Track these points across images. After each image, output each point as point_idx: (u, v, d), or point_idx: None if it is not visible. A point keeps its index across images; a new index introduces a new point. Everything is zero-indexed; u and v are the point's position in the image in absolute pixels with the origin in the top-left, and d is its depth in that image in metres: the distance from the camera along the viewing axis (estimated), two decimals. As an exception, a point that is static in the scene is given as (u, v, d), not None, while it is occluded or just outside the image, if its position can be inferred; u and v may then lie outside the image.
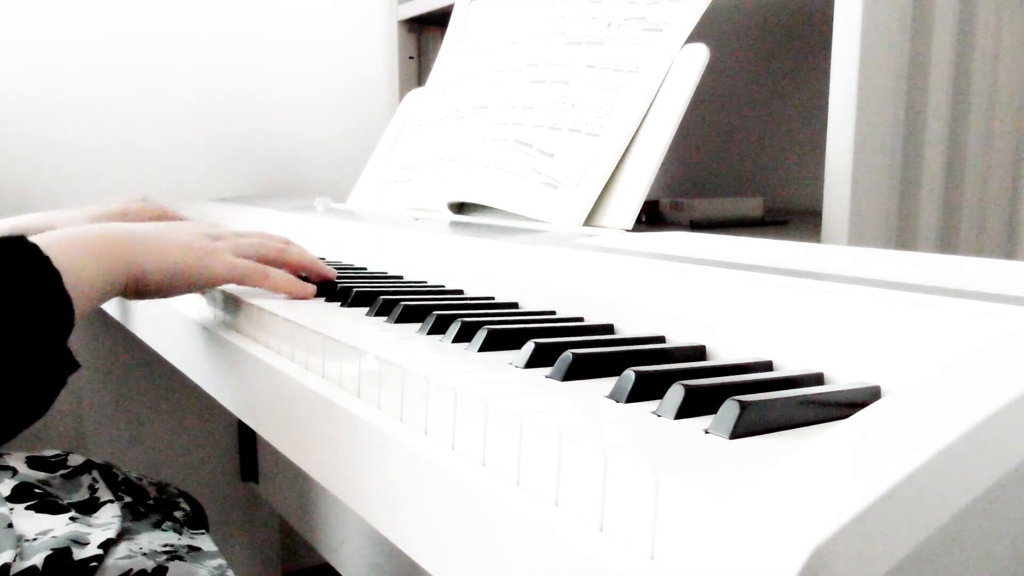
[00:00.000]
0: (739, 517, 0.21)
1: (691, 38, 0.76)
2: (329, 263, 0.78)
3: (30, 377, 0.48)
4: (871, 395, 0.33)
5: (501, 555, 0.30)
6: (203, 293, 0.68)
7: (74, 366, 0.52)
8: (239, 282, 0.62)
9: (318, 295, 0.63)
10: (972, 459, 0.23)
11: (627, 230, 0.72)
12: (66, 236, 0.54)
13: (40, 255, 0.50)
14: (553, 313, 0.53)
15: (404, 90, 1.49)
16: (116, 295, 0.57)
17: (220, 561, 0.73)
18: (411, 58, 1.55)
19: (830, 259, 0.48)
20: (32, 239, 0.51)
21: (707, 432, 0.29)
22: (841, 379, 0.36)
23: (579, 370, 0.38)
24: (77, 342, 0.50)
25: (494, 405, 0.33)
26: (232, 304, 0.63)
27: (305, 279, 0.64)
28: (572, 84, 0.83)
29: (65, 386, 0.51)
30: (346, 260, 0.80)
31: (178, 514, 0.81)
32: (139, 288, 0.58)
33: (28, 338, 0.48)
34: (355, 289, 0.59)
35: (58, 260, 0.50)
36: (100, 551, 0.65)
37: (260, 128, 1.46)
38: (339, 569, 1.19)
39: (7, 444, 0.49)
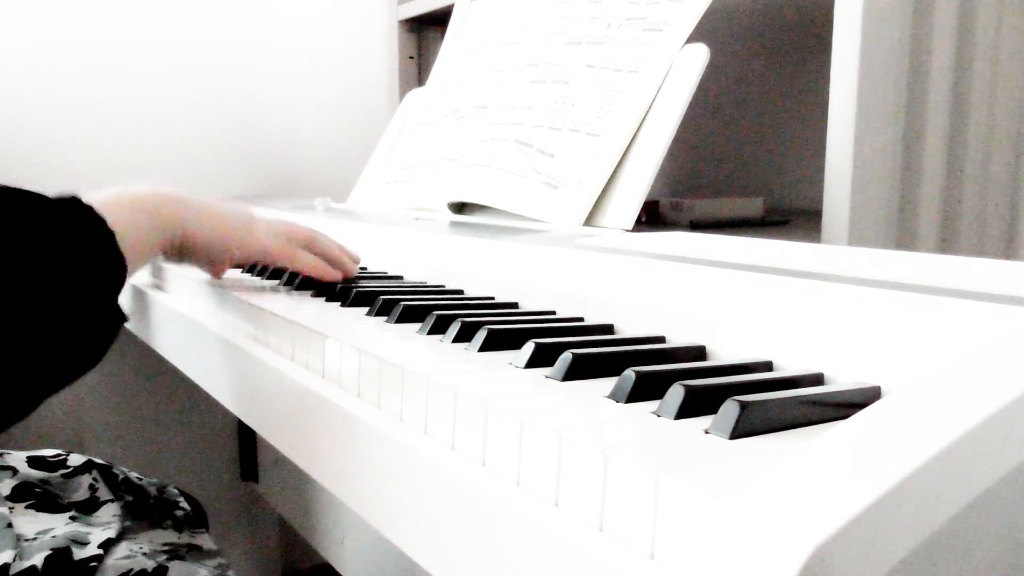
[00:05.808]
0: (739, 517, 0.21)
1: (691, 38, 0.76)
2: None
3: (87, 330, 0.51)
4: (871, 395, 0.33)
5: (501, 555, 0.30)
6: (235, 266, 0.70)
7: (123, 319, 0.55)
8: (271, 260, 0.66)
9: (319, 295, 0.63)
10: (972, 459, 0.23)
11: (627, 230, 0.72)
12: (121, 195, 0.57)
13: (95, 215, 0.52)
14: (553, 313, 0.53)
15: (404, 90, 1.49)
16: (163, 253, 0.60)
17: (220, 560, 0.73)
18: (411, 58, 1.55)
19: (830, 259, 0.48)
20: (87, 199, 0.53)
21: (707, 432, 0.29)
22: (841, 379, 0.36)
23: (579, 370, 0.38)
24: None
25: (494, 405, 0.33)
26: (231, 303, 0.63)
27: None
28: (572, 84, 0.83)
29: (117, 338, 0.54)
30: (346, 260, 0.80)
31: (178, 514, 0.81)
32: (184, 249, 0.61)
33: (85, 294, 0.50)
34: (355, 289, 0.59)
35: (113, 220, 0.52)
36: (100, 551, 0.65)
37: (261, 128, 1.45)
38: (339, 569, 1.19)
39: (7, 443, 0.49)
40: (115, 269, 0.53)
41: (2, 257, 0.46)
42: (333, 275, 0.66)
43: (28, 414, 0.49)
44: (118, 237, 0.53)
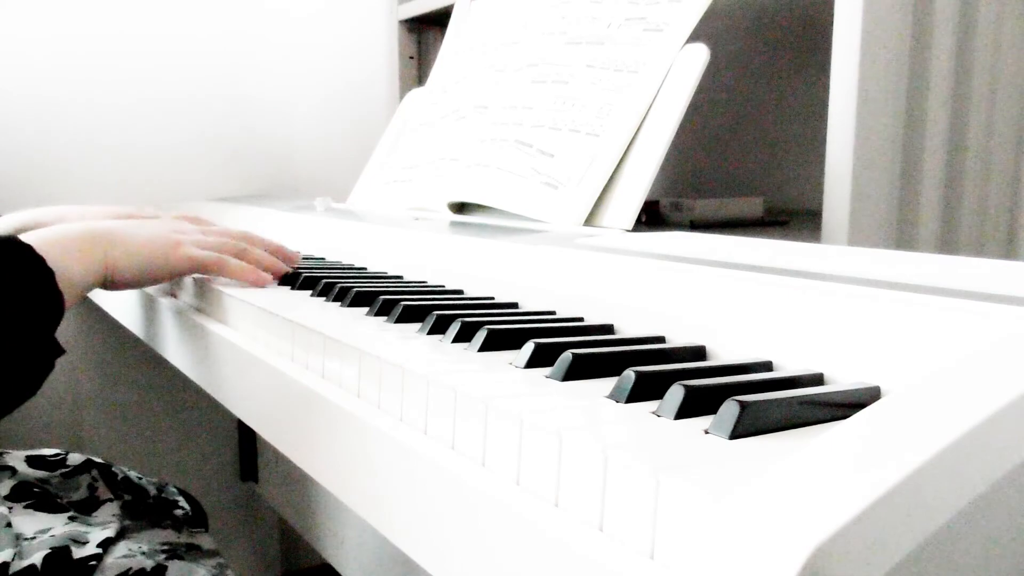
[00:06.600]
0: (739, 517, 0.21)
1: (691, 38, 0.76)
2: (329, 263, 0.79)
3: (27, 364, 0.54)
4: (871, 395, 0.33)
5: (501, 555, 0.30)
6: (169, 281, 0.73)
7: (60, 351, 0.57)
8: (201, 272, 0.68)
9: (319, 295, 0.63)
10: (972, 459, 0.23)
11: (627, 230, 0.72)
12: (55, 235, 0.60)
13: (35, 255, 0.55)
14: (553, 313, 0.53)
15: (404, 90, 1.49)
16: (95, 287, 0.63)
17: (219, 560, 0.73)
18: (411, 58, 1.55)
19: (830, 259, 0.48)
20: (25, 239, 0.57)
21: (707, 432, 0.29)
22: (841, 379, 0.36)
23: (579, 370, 0.38)
24: (78, 342, 0.51)
25: (494, 405, 0.33)
26: (230, 301, 0.63)
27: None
28: (572, 84, 0.83)
29: (53, 369, 0.57)
30: (346, 260, 0.80)
31: (178, 513, 0.81)
32: (114, 281, 0.64)
33: (24, 330, 0.54)
34: (355, 289, 0.59)
35: (51, 259, 0.56)
36: (99, 550, 0.65)
37: (260, 128, 1.45)
38: (339, 569, 1.19)
39: (7, 443, 0.50)
40: (53, 306, 0.56)
41: None
42: (261, 280, 0.67)
43: None
44: (56, 276, 0.56)
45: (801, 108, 1.05)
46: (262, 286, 0.67)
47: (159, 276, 0.67)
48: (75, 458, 0.81)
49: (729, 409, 0.29)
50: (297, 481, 1.29)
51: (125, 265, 0.64)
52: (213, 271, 0.68)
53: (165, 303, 0.74)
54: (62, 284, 0.56)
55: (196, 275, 0.70)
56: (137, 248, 0.65)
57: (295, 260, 0.74)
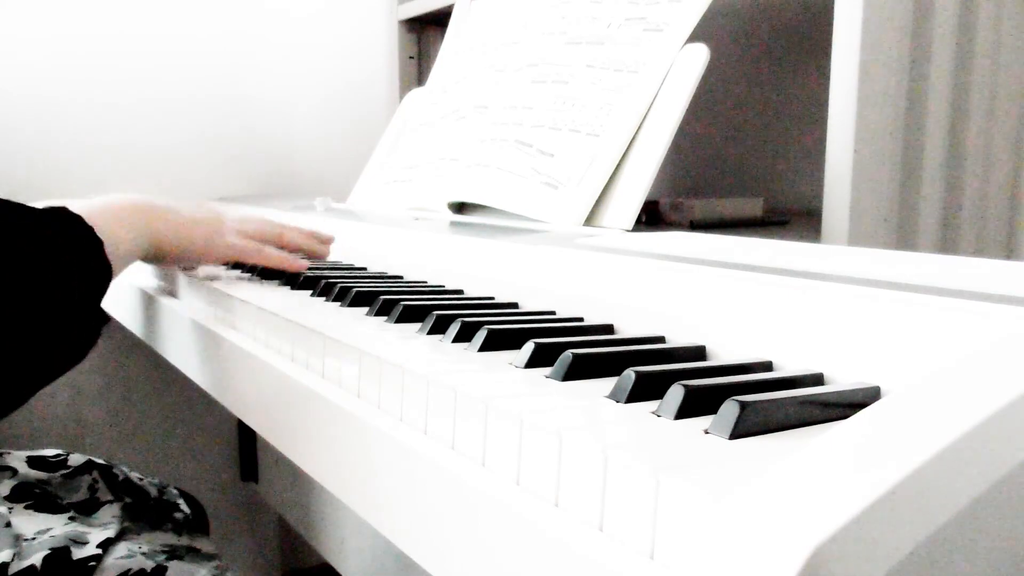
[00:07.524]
0: (739, 517, 0.21)
1: (691, 38, 0.76)
2: (329, 263, 0.79)
3: (76, 331, 0.55)
4: (871, 395, 0.33)
5: (501, 555, 0.30)
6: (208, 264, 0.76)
7: (106, 319, 0.60)
8: (240, 258, 0.70)
9: (319, 295, 0.63)
10: (972, 459, 0.23)
11: (627, 230, 0.72)
12: (105, 206, 0.61)
13: (85, 225, 0.57)
14: (553, 313, 0.53)
15: (404, 90, 1.49)
16: (139, 259, 0.65)
17: (219, 563, 0.73)
18: (411, 58, 1.55)
19: (830, 259, 0.48)
20: (76, 209, 0.57)
21: (707, 432, 0.29)
22: (841, 379, 0.36)
23: (579, 370, 0.38)
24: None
25: (494, 405, 0.33)
26: (230, 301, 0.63)
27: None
28: (572, 84, 0.83)
29: (100, 336, 0.59)
30: (346, 260, 0.80)
31: (178, 515, 0.81)
32: (157, 255, 0.66)
33: (75, 299, 0.55)
34: (355, 289, 0.59)
35: (100, 229, 0.57)
36: (99, 550, 0.65)
37: (260, 128, 1.45)
38: (339, 569, 1.19)
39: (8, 444, 0.50)
40: (102, 275, 0.57)
41: (1, 264, 0.50)
42: (298, 266, 0.70)
43: (19, 406, 0.52)
44: (104, 246, 0.57)
45: (801, 108, 1.05)
46: (299, 272, 0.69)
47: (199, 258, 0.69)
48: (76, 459, 0.81)
49: (729, 409, 0.29)
50: (297, 481, 1.29)
51: (170, 241, 0.65)
52: (251, 259, 0.70)
53: (165, 303, 0.74)
54: (110, 254, 0.57)
55: (203, 273, 0.70)
56: (183, 227, 0.67)
57: (330, 242, 0.77)
